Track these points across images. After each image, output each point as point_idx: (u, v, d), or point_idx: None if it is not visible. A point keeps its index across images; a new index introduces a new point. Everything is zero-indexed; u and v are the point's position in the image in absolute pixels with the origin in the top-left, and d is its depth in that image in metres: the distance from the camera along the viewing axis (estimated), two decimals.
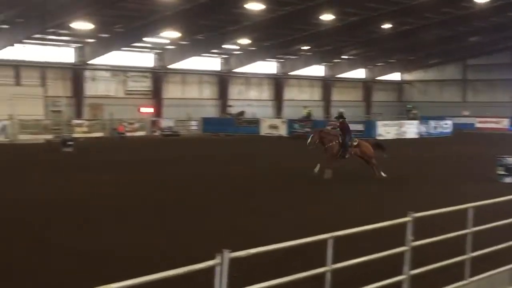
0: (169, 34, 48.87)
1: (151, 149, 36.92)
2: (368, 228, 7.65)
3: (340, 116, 21.80)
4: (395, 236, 8.09)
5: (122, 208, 14.86)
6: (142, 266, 8.62)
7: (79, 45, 50.21)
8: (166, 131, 50.80)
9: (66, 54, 50.41)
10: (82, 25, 43.19)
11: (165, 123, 52.54)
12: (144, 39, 49.98)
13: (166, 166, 25.48)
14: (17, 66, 47.43)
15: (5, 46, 45.39)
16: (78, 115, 49.36)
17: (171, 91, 56.52)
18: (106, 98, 51.91)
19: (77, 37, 47.80)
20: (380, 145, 21.90)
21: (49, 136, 41.74)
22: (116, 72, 53.47)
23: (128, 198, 16.57)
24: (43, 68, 48.93)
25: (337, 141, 20.50)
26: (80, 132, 44.33)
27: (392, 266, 8.08)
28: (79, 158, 29.57)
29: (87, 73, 51.58)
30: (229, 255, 5.47)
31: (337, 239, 6.79)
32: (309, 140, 20.60)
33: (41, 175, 22.11)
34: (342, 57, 66.85)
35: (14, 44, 45.67)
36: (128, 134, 47.88)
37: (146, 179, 20.65)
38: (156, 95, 55.25)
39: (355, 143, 20.76)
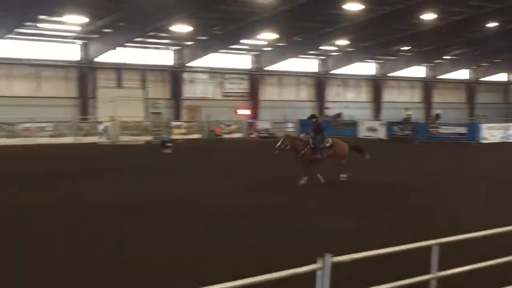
0: (266, 36, 48.83)
1: (248, 150, 36.80)
2: (476, 235, 7.14)
3: (312, 116, 20.69)
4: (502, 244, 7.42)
5: (229, 209, 14.62)
6: (239, 268, 8.34)
7: (178, 47, 51.07)
8: (262, 133, 50.71)
9: (165, 57, 51.39)
10: (181, 28, 43.83)
11: (261, 125, 52.51)
12: (242, 41, 50.17)
13: (262, 167, 25.20)
14: (119, 69, 48.77)
15: (108, 50, 46.79)
16: (177, 117, 50.15)
17: (267, 93, 56.53)
18: (204, 100, 52.56)
19: (176, 40, 48.61)
20: (358, 148, 20.61)
21: (148, 138, 42.49)
22: (214, 74, 54.03)
23: (230, 198, 16.33)
24: (143, 70, 50.10)
25: (309, 146, 19.39)
26: (178, 134, 44.87)
27: (500, 276, 7.61)
28: (178, 159, 29.79)
29: (186, 75, 52.39)
30: (331, 259, 5.34)
31: (443, 246, 6.43)
32: (278, 144, 19.64)
33: (143, 175, 22.30)
34: (444, 57, 64.73)
35: (116, 48, 46.98)
36: (225, 136, 48.13)
37: (244, 180, 20.41)
38: (253, 97, 55.41)
39: (328, 144, 19.57)
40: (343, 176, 19.23)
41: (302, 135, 21.05)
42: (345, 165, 19.56)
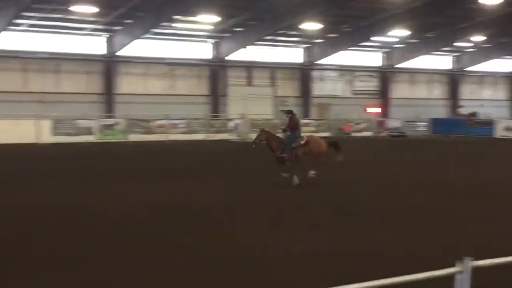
0: (398, 33, 47.79)
1: (376, 149, 36.10)
2: None
3: (289, 112, 18.62)
4: None
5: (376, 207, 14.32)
6: (374, 267, 8.04)
7: (308, 45, 51.09)
8: (392, 131, 49.66)
9: (295, 55, 51.58)
10: (311, 26, 43.80)
11: (392, 123, 51.45)
12: (372, 38, 49.38)
13: (389, 168, 24.59)
14: (249, 67, 49.49)
15: (238, 48, 47.63)
16: (306, 114, 50.21)
17: (398, 90, 55.34)
18: (333, 98, 52.26)
19: (306, 37, 48.66)
20: (336, 145, 18.54)
21: (278, 135, 42.67)
22: (343, 72, 53.62)
23: (356, 199, 16.01)
24: (273, 68, 50.54)
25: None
26: (307, 132, 44.73)
27: None
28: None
29: (315, 73, 52.33)
30: (471, 263, 5.00)
31: None
32: (254, 138, 18.54)
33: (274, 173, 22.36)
34: None
35: (247, 46, 47.71)
36: (354, 134, 47.57)
37: (367, 180, 19.96)
38: (383, 95, 54.45)
39: (302, 142, 17.81)
40: (312, 173, 17.64)
41: (281, 134, 19.42)
42: (322, 163, 18.15)
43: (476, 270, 5.08)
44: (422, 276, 5.04)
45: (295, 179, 17.14)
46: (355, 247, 10.19)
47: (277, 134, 19.27)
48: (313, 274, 8.53)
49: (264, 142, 18.09)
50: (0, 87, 40.52)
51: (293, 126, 18.12)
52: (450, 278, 5.09)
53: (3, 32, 39.96)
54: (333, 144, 18.39)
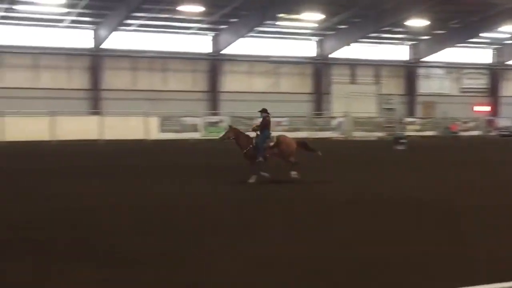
0: (509, 29, 45.89)
1: (484, 149, 34.84)
2: None
3: (263, 111, 17.33)
4: None
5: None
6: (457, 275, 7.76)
7: (414, 42, 50.03)
8: (503, 131, 47.79)
9: (400, 52, 50.63)
10: (417, 22, 42.85)
11: (502, 122, 49.51)
12: (481, 34, 47.74)
13: (495, 168, 23.62)
14: (353, 65, 49.03)
15: (342, 46, 47.29)
16: (411, 113, 49.20)
17: (509, 88, 53.16)
18: (439, 96, 50.89)
19: (411, 34, 47.68)
20: (305, 145, 17.57)
21: (381, 134, 42.14)
22: (450, 70, 52.11)
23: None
24: (377, 66, 49.83)
25: (251, 145, 16.63)
26: (412, 130, 43.93)
27: None
28: (411, 156, 29.09)
29: (421, 71, 51.17)
30: None
31: None
32: (221, 135, 17.70)
33: (379, 171, 22.07)
34: None
35: (350, 44, 47.28)
36: (461, 133, 46.16)
37: (479, 180, 19.26)
38: (492, 93, 52.51)
39: (271, 143, 16.67)
40: (294, 173, 16.72)
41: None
42: (294, 162, 17.36)
43: None
44: None
45: (252, 178, 16.57)
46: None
47: (247, 133, 18.89)
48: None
49: (233, 138, 18.05)
50: (110, 85, 42.15)
51: (265, 126, 17.31)
52: None
53: (114, 33, 41.56)
54: (303, 144, 17.69)
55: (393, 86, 49.75)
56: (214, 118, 42.26)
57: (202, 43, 45.60)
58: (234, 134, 17.55)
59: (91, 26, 42.08)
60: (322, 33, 46.96)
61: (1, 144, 32.78)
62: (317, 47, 48.32)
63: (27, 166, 21.49)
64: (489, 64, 52.78)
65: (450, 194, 16.22)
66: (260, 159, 16.82)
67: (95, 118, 37.72)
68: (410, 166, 23.91)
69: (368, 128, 43.04)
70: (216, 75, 45.40)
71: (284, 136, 17.63)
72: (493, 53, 52.68)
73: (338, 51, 47.88)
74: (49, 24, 40.88)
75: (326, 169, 22.06)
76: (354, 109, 41.76)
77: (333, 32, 46.86)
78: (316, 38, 47.95)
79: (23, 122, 35.34)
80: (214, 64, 45.43)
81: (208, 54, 45.45)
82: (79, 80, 42.06)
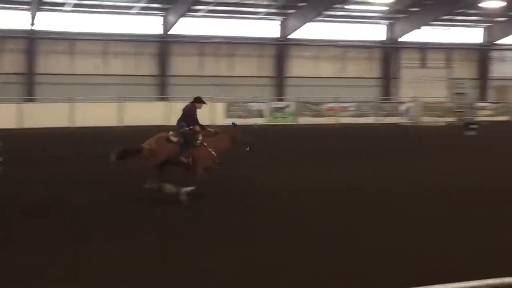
0: None
1: None
2: None
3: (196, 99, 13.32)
4: None
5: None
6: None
7: (488, 24, 48.39)
8: None
9: (473, 35, 49.08)
10: (493, 4, 41.35)
11: None
12: None
13: None
14: (423, 49, 47.88)
15: (413, 29, 46.25)
16: (483, 97, 47.72)
17: None
18: None
19: (486, 16, 46.08)
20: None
21: (451, 119, 41.10)
22: None
23: None
24: (448, 50, 48.49)
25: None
26: (484, 116, 42.62)
27: None
28: (482, 142, 28.31)
29: (495, 54, 49.48)
30: None
31: None
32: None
33: (445, 159, 21.57)
34: None
35: (421, 27, 46.14)
36: None
37: None
38: None
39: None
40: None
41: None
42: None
43: None
44: None
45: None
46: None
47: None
48: None
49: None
50: (178, 70, 42.60)
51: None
52: None
53: (182, 19, 41.92)
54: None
55: (465, 70, 48.20)
56: (280, 104, 42.13)
57: (269, 28, 45.47)
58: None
59: (160, 12, 42.59)
60: (393, 16, 46.01)
61: (71, 130, 33.74)
62: (387, 30, 47.41)
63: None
64: None
65: None
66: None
67: (162, 104, 38.20)
68: (484, 154, 23.26)
69: (437, 114, 42.00)
70: (283, 60, 45.20)
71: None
72: None
73: (408, 34, 46.84)
74: (120, 11, 41.57)
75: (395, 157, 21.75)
76: (423, 94, 40.76)
77: (404, 15, 45.83)
78: (386, 22, 47.04)
79: (92, 108, 36.13)
80: (281, 49, 45.22)
81: (275, 39, 45.27)
82: (147, 66, 42.70)
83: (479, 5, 41.86)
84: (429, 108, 42.10)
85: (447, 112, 42.81)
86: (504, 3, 40.94)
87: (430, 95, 41.22)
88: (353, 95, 42.70)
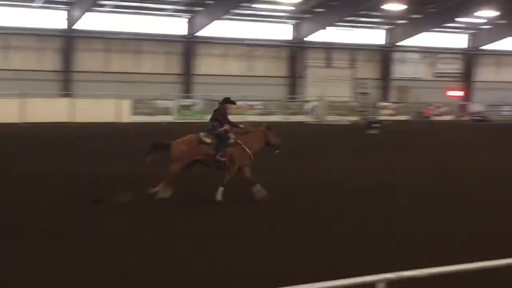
0: (486, 13, 46.02)
1: (456, 134, 35.04)
2: None
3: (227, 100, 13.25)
4: None
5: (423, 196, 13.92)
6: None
7: (390, 26, 49.97)
8: (475, 116, 48.09)
9: (375, 36, 50.55)
10: (394, 6, 42.78)
11: (474, 107, 49.78)
12: (457, 19, 47.81)
13: (465, 153, 23.78)
14: (328, 49, 48.88)
15: (318, 30, 47.14)
16: (385, 97, 49.28)
17: (483, 73, 53.40)
18: (414, 80, 50.93)
19: (388, 18, 47.58)
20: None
21: (355, 118, 42.22)
22: (425, 54, 52.16)
23: (426, 185, 15.53)
24: (352, 50, 49.73)
25: None
26: (385, 115, 44.06)
27: None
28: (384, 140, 29.23)
29: (396, 55, 51.17)
30: None
31: None
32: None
33: (345, 156, 22.14)
34: None
35: (327, 28, 47.11)
36: (434, 118, 46.34)
37: (444, 166, 19.37)
38: (466, 78, 52.67)
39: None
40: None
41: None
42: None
43: None
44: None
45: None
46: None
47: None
48: None
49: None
50: (83, 66, 41.68)
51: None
52: None
53: (87, 13, 41.03)
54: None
55: (368, 71, 49.65)
56: (187, 101, 42.00)
57: (177, 25, 45.19)
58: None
59: (64, 6, 41.52)
60: (299, 16, 46.75)
61: None
62: (293, 30, 48.10)
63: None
64: (463, 49, 52.90)
65: (421, 176, 16.38)
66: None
67: (66, 100, 37.29)
68: (381, 151, 24.05)
69: (341, 112, 43.09)
70: (190, 57, 45.07)
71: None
72: (468, 38, 52.77)
73: (314, 34, 47.72)
74: (21, 4, 40.23)
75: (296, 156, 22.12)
76: (328, 93, 41.69)
77: (310, 16, 46.66)
78: (293, 21, 47.72)
79: None
80: (189, 46, 45.08)
81: (182, 36, 45.06)
82: (51, 61, 41.52)
83: (381, 7, 43.19)
84: (334, 107, 43.13)
85: (351, 111, 44.00)
86: (405, 6, 42.46)
87: (335, 94, 42.18)
88: (260, 94, 43.12)
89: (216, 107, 13.27)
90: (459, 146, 26.80)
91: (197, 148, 12.61)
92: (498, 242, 9.75)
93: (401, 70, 51.28)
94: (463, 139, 30.92)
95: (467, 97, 51.91)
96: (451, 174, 17.81)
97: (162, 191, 12.28)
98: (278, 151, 13.34)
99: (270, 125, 13.50)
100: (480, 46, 52.33)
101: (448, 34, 51.95)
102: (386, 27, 50.16)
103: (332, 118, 41.40)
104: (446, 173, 17.96)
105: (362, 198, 13.54)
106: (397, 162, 20.35)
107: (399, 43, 50.38)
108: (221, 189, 12.39)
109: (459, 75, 52.95)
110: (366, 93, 45.55)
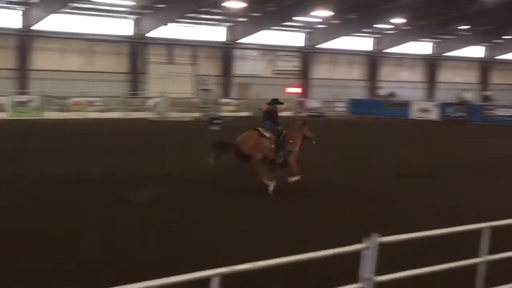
0: (321, 13, 48.11)
1: None
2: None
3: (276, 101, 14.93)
4: None
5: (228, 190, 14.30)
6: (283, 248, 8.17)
7: (231, 24, 50.76)
8: (312, 112, 50.11)
9: (217, 33, 51.16)
10: (235, 4, 43.52)
11: (311, 104, 51.90)
12: (295, 18, 49.58)
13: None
14: (170, 45, 48.77)
15: (160, 25, 46.89)
16: (226, 94, 50.05)
17: (319, 71, 55.82)
18: (254, 77, 52.12)
19: (229, 16, 48.30)
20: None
21: (197, 114, 42.52)
22: (265, 52, 53.57)
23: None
24: (194, 47, 49.97)
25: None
26: (227, 111, 44.77)
27: None
28: (224, 136, 29.64)
29: (237, 52, 52.09)
30: (378, 239, 5.30)
31: (494, 229, 6.31)
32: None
33: (183, 151, 22.35)
34: (504, 37, 62.51)
35: (168, 24, 47.00)
36: None
37: None
38: (303, 75, 54.79)
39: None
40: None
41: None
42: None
43: (383, 246, 5.38)
44: (331, 253, 5.33)
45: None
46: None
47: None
48: None
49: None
50: None
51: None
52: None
53: None
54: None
55: (210, 67, 50.15)
56: (23, 98, 40.17)
57: (11, 18, 42.98)
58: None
59: None
60: (140, 11, 46.19)
61: None
62: (134, 25, 47.47)
63: None
64: (300, 47, 54.91)
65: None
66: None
67: None
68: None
69: (184, 109, 43.20)
70: (26, 52, 43.10)
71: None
72: (305, 37, 54.85)
73: (155, 30, 47.37)
74: None
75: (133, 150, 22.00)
76: (170, 90, 41.64)
77: (151, 11, 46.29)
78: (133, 17, 47.07)
79: None
80: (24, 40, 43.08)
81: (17, 30, 42.96)
82: None
83: (222, 4, 43.79)
84: (176, 104, 43.14)
85: (193, 107, 44.24)
86: (245, 4, 43.37)
87: (177, 90, 42.25)
88: (100, 90, 42.18)
89: (267, 108, 14.90)
90: None
91: (262, 142, 13.90)
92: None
93: (242, 67, 52.27)
94: None
95: (304, 94, 53.97)
96: None
97: (270, 181, 13.56)
98: (314, 142, 15.13)
99: (305, 121, 15.53)
100: (316, 45, 54.59)
101: (286, 32, 53.68)
102: (227, 24, 50.90)
103: (174, 115, 41.38)
104: None
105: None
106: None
107: (239, 40, 51.31)
108: (293, 178, 13.99)
109: (297, 72, 54.92)
110: (208, 89, 46.03)
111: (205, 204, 12.83)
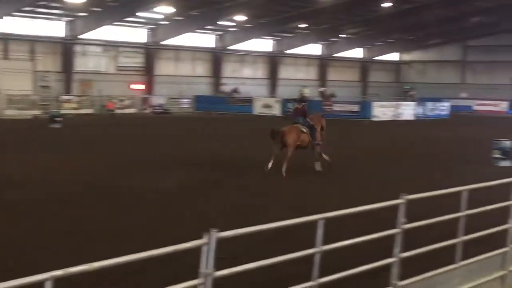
0: (163, 9, 47.91)
1: (139, 127, 36.05)
2: (359, 209, 7.31)
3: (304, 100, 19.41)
4: (387, 218, 7.76)
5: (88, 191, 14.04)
6: (128, 245, 8.15)
7: (70, 19, 49.12)
8: (157, 108, 49.91)
9: (56, 28, 49.31)
10: None
11: (156, 100, 51.60)
12: (137, 13, 48.96)
13: (145, 144, 24.71)
14: (5, 40, 46.36)
15: None
16: (67, 91, 48.39)
17: (163, 68, 55.56)
18: (96, 74, 50.81)
19: (68, 10, 46.74)
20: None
21: (37, 112, 40.92)
22: (107, 48, 52.37)
23: (101, 179, 15.74)
24: (32, 42, 47.83)
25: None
26: (69, 108, 43.46)
27: (383, 249, 7.69)
28: (66, 135, 28.84)
29: (78, 48, 50.50)
30: (216, 234, 5.36)
31: (328, 220, 6.47)
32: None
33: (24, 151, 21.38)
34: (340, 35, 65.80)
35: (3, 17, 44.64)
36: (118, 111, 46.95)
37: (128, 158, 19.88)
38: (148, 72, 54.26)
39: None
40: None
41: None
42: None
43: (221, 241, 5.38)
44: (170, 250, 5.28)
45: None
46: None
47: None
48: None
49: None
50: None
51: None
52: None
53: None
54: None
55: (49, 63, 48.13)
56: None
57: None
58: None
59: None
60: None
61: None
62: None
63: None
64: (144, 44, 54.28)
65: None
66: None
67: None
68: (57, 145, 23.69)
69: (22, 106, 41.37)
70: None
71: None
72: (148, 33, 54.30)
73: None
74: None
75: None
76: (6, 86, 39.68)
77: None
78: None
79: None
80: None
81: None
82: None
83: None
84: (14, 101, 41.25)
85: (33, 105, 42.49)
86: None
87: (14, 87, 40.43)
88: None
89: (296, 106, 18.66)
90: (135, 138, 27.68)
91: (300, 136, 17.35)
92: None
93: (84, 63, 50.73)
94: (138, 132, 31.99)
95: (148, 90, 53.46)
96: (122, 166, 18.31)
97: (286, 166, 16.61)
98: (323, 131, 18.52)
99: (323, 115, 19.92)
100: (160, 41, 54.25)
101: (129, 28, 52.81)
102: (66, 19, 49.16)
103: (11, 113, 39.51)
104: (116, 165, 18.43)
105: None
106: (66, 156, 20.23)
107: (80, 36, 49.74)
108: (318, 163, 17.82)
109: (140, 68, 54.24)
110: (47, 86, 44.36)
111: None
